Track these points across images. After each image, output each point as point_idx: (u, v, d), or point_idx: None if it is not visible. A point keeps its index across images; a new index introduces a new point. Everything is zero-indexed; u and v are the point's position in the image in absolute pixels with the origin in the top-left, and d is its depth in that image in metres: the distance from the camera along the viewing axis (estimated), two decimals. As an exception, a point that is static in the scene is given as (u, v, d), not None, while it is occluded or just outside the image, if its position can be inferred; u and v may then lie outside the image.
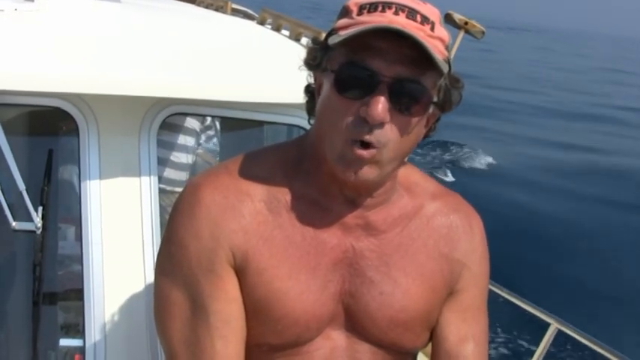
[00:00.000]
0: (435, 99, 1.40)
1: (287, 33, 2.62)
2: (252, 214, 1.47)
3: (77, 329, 2.12)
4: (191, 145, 3.37)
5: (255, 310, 1.46)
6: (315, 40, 1.48)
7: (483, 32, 3.18)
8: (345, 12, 1.40)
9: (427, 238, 1.56)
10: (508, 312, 9.34)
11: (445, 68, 1.34)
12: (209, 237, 1.45)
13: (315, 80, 1.49)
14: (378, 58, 1.31)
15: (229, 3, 3.23)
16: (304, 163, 1.50)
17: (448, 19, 3.13)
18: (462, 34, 3.15)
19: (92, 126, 2.04)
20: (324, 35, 1.49)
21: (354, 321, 1.52)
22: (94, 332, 2.02)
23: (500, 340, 9.10)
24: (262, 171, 1.51)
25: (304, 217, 1.48)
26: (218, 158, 3.58)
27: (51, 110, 2.03)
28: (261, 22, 2.79)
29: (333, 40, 1.35)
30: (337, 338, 1.53)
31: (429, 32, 1.33)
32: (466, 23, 3.14)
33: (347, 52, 1.34)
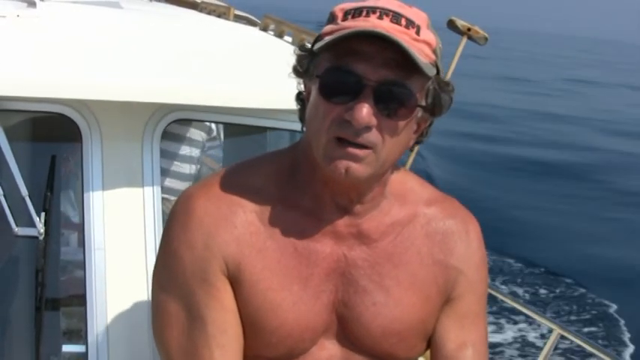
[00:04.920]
0: (423, 103, 1.40)
1: (290, 39, 2.62)
2: (244, 225, 1.47)
3: (80, 335, 2.12)
4: (195, 156, 3.36)
5: (250, 322, 1.46)
6: (301, 47, 1.48)
7: (486, 38, 3.19)
8: (332, 18, 1.40)
9: (421, 246, 1.55)
10: (512, 318, 9.37)
11: (431, 72, 1.34)
12: (203, 247, 1.45)
13: (304, 87, 1.49)
14: (363, 63, 1.31)
15: (232, 9, 3.23)
16: (297, 172, 1.50)
17: (451, 26, 3.13)
18: (464, 40, 3.16)
19: (95, 132, 2.04)
20: None
21: (347, 331, 1.51)
22: (96, 338, 2.02)
23: (503, 345, 9.08)
24: (255, 181, 1.51)
25: (297, 227, 1.48)
26: (221, 164, 3.58)
27: (54, 116, 2.03)
28: (264, 29, 2.79)
29: (317, 45, 1.36)
30: (332, 348, 1.52)
31: (414, 36, 1.33)
32: (469, 29, 3.14)
33: (332, 57, 1.35)
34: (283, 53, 2.50)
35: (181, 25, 2.65)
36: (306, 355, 1.49)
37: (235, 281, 1.45)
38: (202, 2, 3.46)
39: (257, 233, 1.47)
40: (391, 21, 1.32)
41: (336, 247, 1.49)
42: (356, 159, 1.34)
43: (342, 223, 1.48)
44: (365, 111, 1.30)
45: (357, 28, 1.30)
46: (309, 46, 1.45)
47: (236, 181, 1.51)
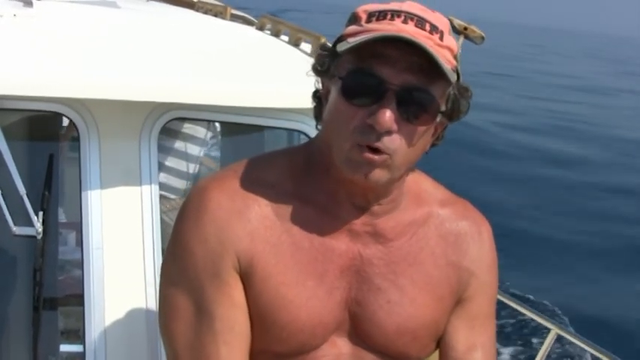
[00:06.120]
0: (443, 108, 1.39)
1: (286, 38, 2.63)
2: (258, 219, 1.45)
3: (77, 335, 2.12)
4: (195, 154, 3.36)
5: (261, 316, 1.45)
6: (323, 47, 1.47)
7: (483, 37, 3.19)
8: (354, 19, 1.39)
9: (435, 246, 1.55)
10: (509, 317, 9.37)
11: (453, 77, 1.33)
12: (215, 241, 1.43)
13: (322, 86, 1.48)
14: (387, 66, 1.31)
15: (229, 8, 3.23)
16: (312, 169, 1.49)
17: (448, 25, 3.13)
18: (461, 39, 3.16)
19: (93, 131, 2.04)
20: (323, 40, 1.49)
21: (360, 329, 1.51)
22: (94, 338, 2.02)
23: (501, 345, 9.08)
24: (270, 176, 1.50)
25: (312, 223, 1.47)
26: (219, 163, 3.58)
27: (51, 115, 2.03)
28: (261, 28, 2.80)
29: (341, 47, 1.34)
30: (343, 346, 1.51)
31: (438, 41, 1.33)
32: (465, 29, 3.14)
33: (355, 59, 1.34)
34: (280, 52, 2.51)
35: (178, 25, 2.65)
36: (316, 351, 1.48)
37: (247, 276, 1.44)
38: (199, 2, 3.46)
39: (272, 227, 1.45)
40: (416, 25, 1.32)
41: (351, 244, 1.48)
42: (376, 164, 1.34)
43: (359, 222, 1.47)
44: (388, 115, 1.30)
45: (384, 32, 1.29)
46: (330, 45, 1.44)
47: (250, 175, 1.50)
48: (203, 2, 3.43)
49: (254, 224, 1.45)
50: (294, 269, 1.45)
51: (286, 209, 1.47)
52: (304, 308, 1.44)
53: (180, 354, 1.45)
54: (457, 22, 3.16)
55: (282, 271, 1.44)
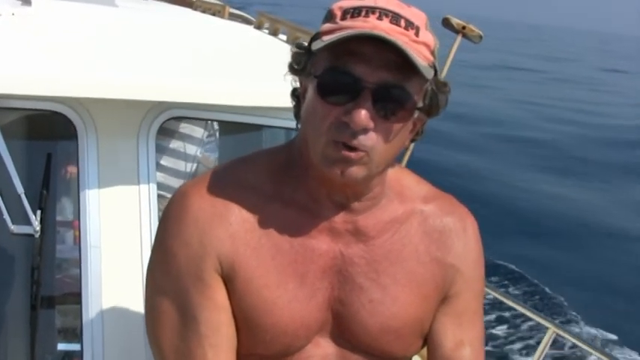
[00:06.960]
0: (421, 104, 1.38)
1: (284, 37, 2.63)
2: (239, 222, 1.45)
3: (75, 333, 2.12)
4: (192, 153, 3.36)
5: (244, 319, 1.45)
6: (299, 45, 1.47)
7: (481, 36, 3.19)
8: (330, 16, 1.38)
9: (418, 243, 1.54)
10: (507, 316, 9.39)
11: (429, 74, 1.32)
12: (197, 245, 1.43)
13: (300, 85, 1.48)
14: (362, 64, 1.30)
15: (227, 7, 3.24)
16: (293, 169, 1.49)
17: (446, 24, 3.14)
18: (459, 38, 3.16)
19: (90, 130, 2.04)
20: None
21: (343, 328, 1.50)
22: (91, 336, 2.02)
23: (499, 344, 9.09)
24: (250, 177, 1.50)
25: (292, 224, 1.47)
26: (216, 162, 3.58)
27: (49, 114, 2.03)
28: (259, 27, 2.80)
29: (316, 45, 1.33)
30: (327, 346, 1.51)
31: (414, 37, 1.32)
32: (464, 27, 3.15)
33: (330, 57, 1.33)
34: (278, 51, 2.51)
35: (176, 24, 2.65)
36: (300, 352, 1.48)
37: (229, 279, 1.44)
38: (197, 0, 3.47)
39: (252, 230, 1.45)
40: (391, 22, 1.31)
41: (332, 244, 1.48)
42: (352, 162, 1.33)
43: (339, 220, 1.47)
44: (363, 114, 1.29)
45: (357, 30, 1.28)
46: (305, 43, 1.44)
47: (231, 177, 1.50)
48: (201, 1, 3.44)
49: (235, 227, 1.45)
50: (274, 272, 1.45)
51: (266, 211, 1.47)
52: (286, 310, 1.44)
53: (168, 358, 1.45)
54: (455, 20, 3.16)
55: (264, 274, 1.44)
